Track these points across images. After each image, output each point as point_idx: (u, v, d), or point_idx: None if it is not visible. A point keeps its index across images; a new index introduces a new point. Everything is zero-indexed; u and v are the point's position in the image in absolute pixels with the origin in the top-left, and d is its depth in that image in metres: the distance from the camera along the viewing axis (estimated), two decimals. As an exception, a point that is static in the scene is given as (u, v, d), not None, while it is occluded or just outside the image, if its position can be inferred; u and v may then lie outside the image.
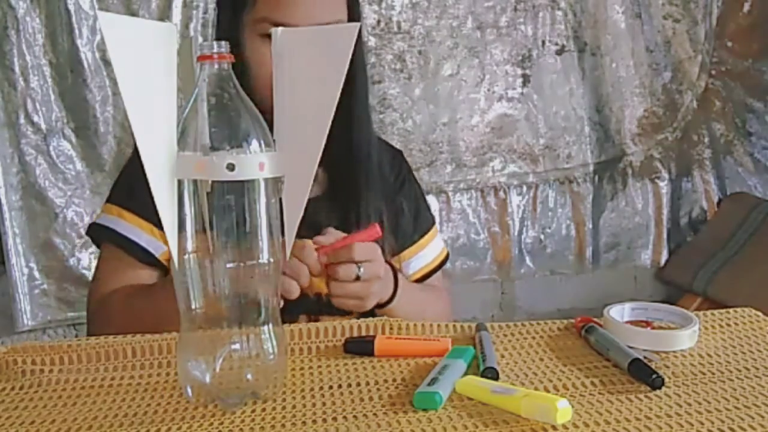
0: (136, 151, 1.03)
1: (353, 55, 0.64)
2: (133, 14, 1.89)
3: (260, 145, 0.62)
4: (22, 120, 1.88)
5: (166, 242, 0.94)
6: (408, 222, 1.08)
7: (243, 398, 0.63)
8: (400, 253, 1.06)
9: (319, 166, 0.65)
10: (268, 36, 0.90)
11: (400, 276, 0.95)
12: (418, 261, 1.07)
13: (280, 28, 0.68)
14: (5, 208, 1.88)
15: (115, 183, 1.03)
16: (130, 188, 0.99)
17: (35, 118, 1.89)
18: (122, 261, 0.97)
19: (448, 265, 1.09)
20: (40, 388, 0.69)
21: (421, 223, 1.10)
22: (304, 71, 0.66)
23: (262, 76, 0.88)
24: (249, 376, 0.63)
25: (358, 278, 0.86)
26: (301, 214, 0.66)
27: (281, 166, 0.63)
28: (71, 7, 1.87)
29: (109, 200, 1.01)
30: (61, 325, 1.98)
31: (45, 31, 1.87)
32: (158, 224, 0.94)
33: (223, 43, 0.63)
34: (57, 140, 1.92)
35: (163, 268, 0.98)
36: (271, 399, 0.64)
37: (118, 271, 0.97)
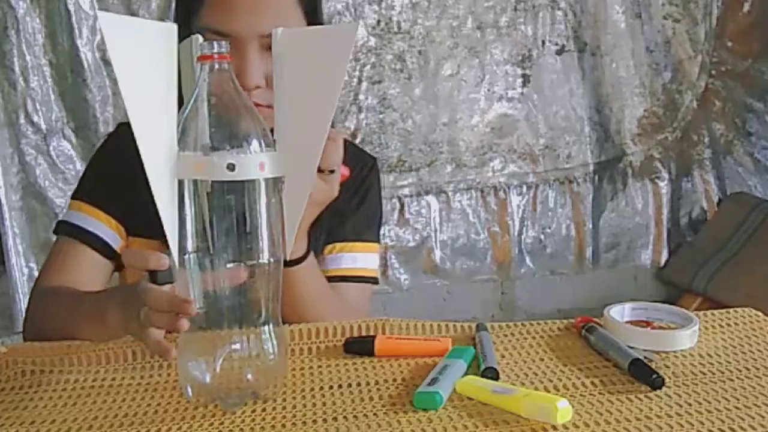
0: (102, 146, 1.03)
1: None
2: (133, 14, 1.89)
3: (260, 145, 0.62)
4: (22, 120, 1.88)
5: (121, 235, 0.95)
6: (349, 223, 1.04)
7: (243, 398, 0.63)
8: (331, 245, 1.02)
9: None
10: None
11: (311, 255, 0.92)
12: (344, 260, 1.02)
13: (280, 29, 0.68)
14: (5, 208, 1.88)
15: (80, 179, 1.03)
16: (91, 181, 0.99)
17: (35, 118, 1.89)
18: (74, 250, 0.95)
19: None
20: (40, 388, 0.69)
21: (363, 232, 1.06)
22: (304, 71, 0.66)
23: None
24: (249, 376, 0.63)
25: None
26: (302, 213, 0.66)
27: (281, 166, 0.63)
28: (71, 7, 1.87)
29: (71, 196, 1.01)
30: (61, 326, 1.98)
31: (45, 31, 1.87)
32: (116, 216, 0.95)
33: (223, 43, 0.63)
34: (57, 140, 1.92)
35: (118, 261, 0.96)
36: (271, 399, 0.64)
37: (66, 262, 0.95)
